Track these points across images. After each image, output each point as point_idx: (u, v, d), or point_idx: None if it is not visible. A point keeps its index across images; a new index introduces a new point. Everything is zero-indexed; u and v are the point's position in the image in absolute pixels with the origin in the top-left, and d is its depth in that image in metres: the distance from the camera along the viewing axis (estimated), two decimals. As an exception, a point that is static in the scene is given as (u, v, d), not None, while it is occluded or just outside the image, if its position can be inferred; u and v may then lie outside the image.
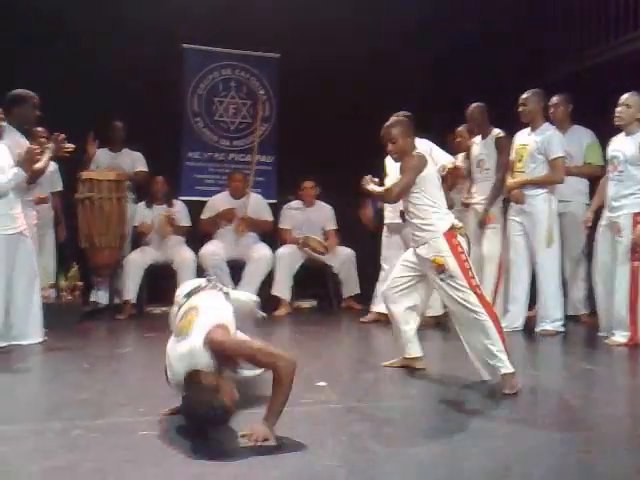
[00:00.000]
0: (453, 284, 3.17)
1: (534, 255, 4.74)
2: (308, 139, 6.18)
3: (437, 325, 4.89)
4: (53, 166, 5.05)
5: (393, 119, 3.37)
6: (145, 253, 5.80)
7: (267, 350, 2.39)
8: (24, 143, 4.35)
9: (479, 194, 5.05)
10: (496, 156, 4.96)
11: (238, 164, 6.80)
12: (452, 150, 5.49)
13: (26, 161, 4.12)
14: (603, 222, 4.44)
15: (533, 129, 4.72)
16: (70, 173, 5.51)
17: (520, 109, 4.71)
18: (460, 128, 5.41)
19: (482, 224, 4.96)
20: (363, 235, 5.76)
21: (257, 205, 6.19)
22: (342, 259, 6.07)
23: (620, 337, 4.22)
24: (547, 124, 4.73)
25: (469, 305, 3.14)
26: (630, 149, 4.25)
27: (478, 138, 5.12)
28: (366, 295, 5.66)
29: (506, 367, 3.11)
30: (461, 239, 3.24)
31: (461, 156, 5.34)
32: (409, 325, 3.53)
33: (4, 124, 4.22)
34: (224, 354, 2.41)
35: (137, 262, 5.69)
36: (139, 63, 5.84)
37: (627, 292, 4.21)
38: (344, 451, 2.33)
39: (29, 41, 5.66)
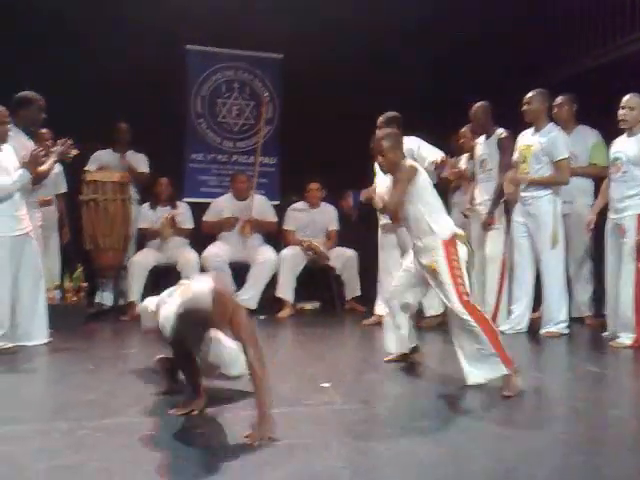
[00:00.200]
0: (440, 290, 3.24)
1: (538, 257, 4.72)
2: (309, 140, 6.18)
3: (439, 325, 4.88)
4: (58, 168, 5.05)
5: (384, 132, 3.44)
6: (149, 254, 5.82)
7: (253, 331, 2.60)
8: (30, 145, 4.37)
9: (482, 195, 5.00)
10: (498, 156, 4.89)
11: (242, 165, 6.80)
12: (456, 151, 5.49)
13: (30, 163, 4.15)
14: (609, 225, 4.42)
15: (537, 129, 4.69)
16: (75, 175, 5.52)
17: (524, 108, 4.68)
18: (463, 129, 5.35)
19: (486, 226, 4.94)
20: (364, 236, 5.75)
21: (261, 206, 6.19)
22: (344, 261, 6.06)
23: (626, 339, 4.20)
24: (551, 124, 4.70)
25: (456, 312, 3.19)
26: (633, 150, 4.24)
27: (482, 138, 5.05)
28: (367, 296, 5.66)
29: (501, 370, 3.12)
30: (461, 247, 3.26)
31: (465, 157, 5.32)
32: (404, 323, 3.61)
33: (10, 126, 4.24)
34: (221, 309, 2.47)
35: (141, 263, 5.70)
36: (141, 64, 5.83)
37: (632, 293, 4.19)
38: (348, 452, 2.34)
39: (29, 41, 5.67)
